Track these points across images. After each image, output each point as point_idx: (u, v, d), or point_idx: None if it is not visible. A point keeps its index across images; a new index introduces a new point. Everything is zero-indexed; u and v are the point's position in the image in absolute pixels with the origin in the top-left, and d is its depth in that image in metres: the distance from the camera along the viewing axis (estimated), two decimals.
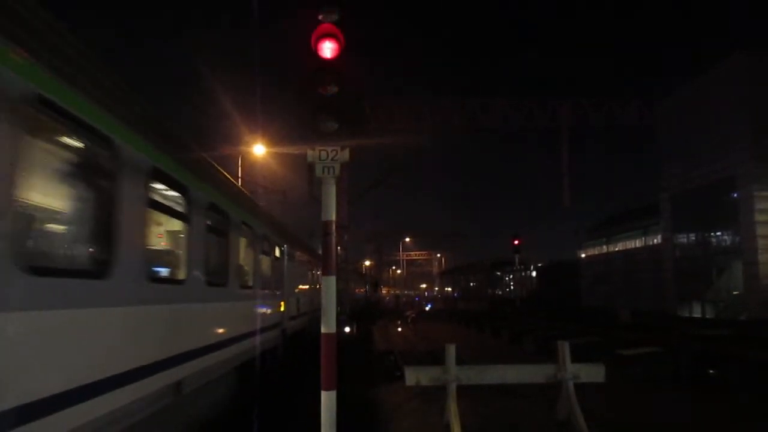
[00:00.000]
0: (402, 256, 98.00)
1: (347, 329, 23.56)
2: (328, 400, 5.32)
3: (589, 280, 46.89)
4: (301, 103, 5.82)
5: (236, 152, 23.48)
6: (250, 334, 9.19)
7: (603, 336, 17.05)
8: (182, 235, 6.51)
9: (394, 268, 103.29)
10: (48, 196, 4.18)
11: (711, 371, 11.39)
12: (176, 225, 6.62)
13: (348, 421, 6.28)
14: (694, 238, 32.04)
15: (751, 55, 26.18)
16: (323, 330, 5.51)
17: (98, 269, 4.25)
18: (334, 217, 5.73)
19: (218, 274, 7.50)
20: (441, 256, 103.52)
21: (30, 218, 3.86)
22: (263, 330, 10.14)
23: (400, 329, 30.89)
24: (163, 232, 6.91)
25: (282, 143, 23.18)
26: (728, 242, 28.98)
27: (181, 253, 6.47)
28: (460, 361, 7.28)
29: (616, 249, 43.98)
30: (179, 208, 6.25)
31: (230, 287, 8.05)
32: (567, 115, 27.08)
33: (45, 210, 4.20)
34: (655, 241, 36.93)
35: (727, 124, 26.79)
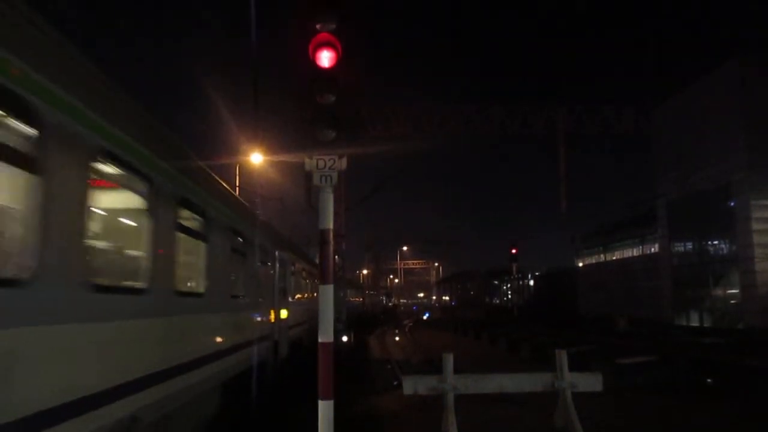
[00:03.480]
0: (400, 264, 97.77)
1: (344, 338, 23.47)
2: (325, 409, 5.28)
3: (587, 288, 46.81)
4: (298, 111, 5.83)
5: (234, 160, 23.45)
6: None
7: (601, 344, 17.04)
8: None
9: (392, 277, 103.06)
10: None
11: (709, 380, 11.38)
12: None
13: (346, 431, 6.24)
14: (691, 246, 31.99)
15: (744, 62, 26.26)
16: (320, 339, 5.43)
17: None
18: (331, 226, 5.72)
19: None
20: (438, 265, 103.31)
21: None
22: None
23: (398, 338, 30.79)
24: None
25: (280, 151, 23.16)
26: (725, 250, 28.94)
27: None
28: (457, 370, 7.25)
29: (614, 257, 43.96)
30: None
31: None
32: (562, 121, 27.12)
33: None
34: (653, 249, 36.91)
35: (723, 132, 26.84)
